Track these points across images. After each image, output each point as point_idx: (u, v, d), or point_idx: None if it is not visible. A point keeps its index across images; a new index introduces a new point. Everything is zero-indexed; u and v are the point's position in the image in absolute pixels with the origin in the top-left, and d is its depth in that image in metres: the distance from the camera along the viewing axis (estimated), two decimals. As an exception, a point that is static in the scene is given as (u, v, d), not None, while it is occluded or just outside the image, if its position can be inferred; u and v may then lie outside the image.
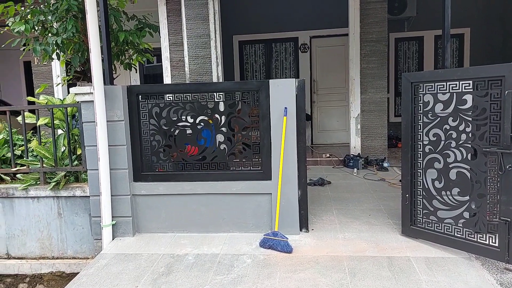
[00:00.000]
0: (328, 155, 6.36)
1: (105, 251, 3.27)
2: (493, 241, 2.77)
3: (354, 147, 6.21)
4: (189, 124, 3.49)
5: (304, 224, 3.47)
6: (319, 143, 7.78)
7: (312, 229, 3.51)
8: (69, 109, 3.80)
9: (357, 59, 5.98)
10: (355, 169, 5.74)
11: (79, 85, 3.69)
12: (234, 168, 3.53)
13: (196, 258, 3.04)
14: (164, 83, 6.22)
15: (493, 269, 2.74)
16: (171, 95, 3.48)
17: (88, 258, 3.73)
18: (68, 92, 4.30)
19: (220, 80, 5.96)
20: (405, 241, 3.22)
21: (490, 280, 2.60)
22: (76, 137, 3.95)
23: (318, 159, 6.32)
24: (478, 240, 2.85)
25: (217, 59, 5.93)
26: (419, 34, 8.37)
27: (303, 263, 2.89)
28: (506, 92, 2.60)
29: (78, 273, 3.03)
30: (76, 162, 3.84)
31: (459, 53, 8.37)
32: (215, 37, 5.93)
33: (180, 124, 3.51)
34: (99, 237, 3.45)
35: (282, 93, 3.31)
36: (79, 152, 3.87)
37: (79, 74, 4.23)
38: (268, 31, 7.72)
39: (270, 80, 3.38)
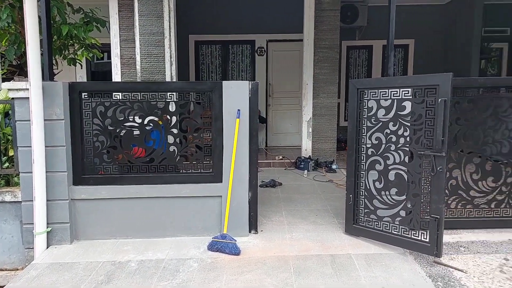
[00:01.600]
0: (280, 157, 6.47)
1: (37, 260, 3.04)
2: (425, 237, 2.98)
3: (306, 150, 6.38)
4: (136, 125, 3.39)
5: (253, 226, 3.49)
6: (273, 145, 7.90)
7: (262, 231, 3.55)
8: (0, 106, 3.53)
9: (311, 64, 6.15)
10: (306, 171, 5.90)
11: (14, 80, 3.44)
12: (184, 170, 3.48)
13: (140, 264, 2.94)
14: (113, 81, 5.99)
15: (424, 262, 2.94)
16: (118, 93, 3.35)
17: (18, 269, 3.47)
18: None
19: (174, 80, 5.85)
20: (348, 239, 3.37)
21: (421, 273, 2.79)
22: (9, 137, 3.67)
23: (271, 161, 6.41)
24: (412, 236, 3.05)
25: (171, 58, 5.82)
26: (369, 43, 8.80)
27: (250, 264, 2.91)
28: (439, 99, 2.81)
29: (3, 286, 2.80)
30: (7, 164, 3.57)
31: (404, 62, 8.92)
32: (170, 35, 5.82)
33: (127, 124, 3.40)
34: (31, 246, 3.20)
35: (235, 95, 3.32)
36: (11, 153, 3.59)
37: (14, 68, 3.94)
38: (225, 32, 7.72)
39: (223, 81, 3.38)
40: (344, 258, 3.03)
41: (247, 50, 7.88)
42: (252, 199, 3.45)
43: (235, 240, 3.13)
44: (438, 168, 2.84)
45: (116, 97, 3.35)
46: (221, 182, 3.35)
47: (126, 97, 3.33)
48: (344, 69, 8.88)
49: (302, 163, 6.07)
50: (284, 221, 3.80)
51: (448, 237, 3.39)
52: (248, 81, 3.31)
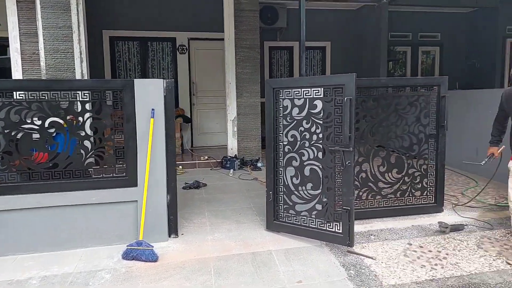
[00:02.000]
0: (206, 157, 6.38)
1: None
2: (338, 228, 3.15)
3: (231, 149, 6.38)
4: (36, 127, 3.04)
5: (173, 230, 3.37)
6: (199, 145, 7.77)
7: (182, 234, 3.44)
8: None
9: (233, 64, 6.16)
10: (232, 170, 5.90)
11: None
12: (94, 175, 3.22)
13: (42, 281, 2.64)
14: (13, 78, 5.34)
15: (338, 253, 3.10)
16: (11, 92, 2.97)
17: None
18: None
19: (86, 78, 5.41)
20: (269, 235, 3.42)
21: (336, 263, 2.94)
22: None
23: (197, 161, 6.29)
24: (327, 228, 3.21)
25: (81, 54, 5.37)
26: (290, 44, 9.13)
27: (169, 270, 2.80)
28: (345, 98, 2.98)
29: None
30: None
31: (322, 63, 9.43)
32: (79, 30, 5.36)
33: (25, 126, 3.03)
34: None
35: (149, 93, 3.16)
36: None
37: None
38: (144, 28, 7.36)
39: (135, 79, 3.19)
40: (265, 255, 3.06)
41: (167, 48, 7.63)
42: (171, 202, 3.32)
43: (152, 246, 2.98)
44: (347, 163, 3.01)
45: (10, 96, 2.97)
46: (136, 186, 3.17)
47: (22, 96, 2.97)
48: (267, 68, 9.09)
49: (228, 163, 6.06)
50: (206, 222, 3.74)
51: (361, 226, 3.64)
52: (162, 79, 3.17)
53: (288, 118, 3.33)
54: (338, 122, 3.06)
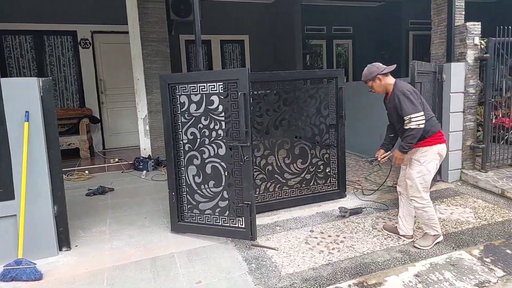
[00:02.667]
0: (116, 159, 5.99)
1: None
2: (241, 223, 3.13)
3: (144, 149, 6.08)
4: None
5: (65, 242, 3.07)
6: (112, 147, 7.27)
7: (77, 246, 3.16)
8: None
9: (140, 58, 5.83)
10: (145, 171, 5.61)
11: None
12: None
13: None
14: None
15: (243, 247, 3.09)
16: None
17: None
18: None
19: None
20: (174, 237, 3.30)
21: (239, 258, 2.92)
22: None
23: (106, 165, 5.87)
24: (231, 224, 3.18)
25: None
26: (207, 38, 8.94)
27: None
28: (240, 93, 2.94)
29: None
30: None
31: (242, 57, 9.42)
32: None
33: None
34: None
35: (21, 94, 2.79)
36: None
37: None
38: (38, 21, 6.62)
39: (1, 78, 2.80)
40: (166, 258, 2.93)
41: (67, 42, 6.97)
42: (60, 213, 3.01)
43: (35, 264, 2.67)
44: (245, 158, 2.99)
45: None
46: (14, 199, 2.81)
47: None
48: (185, 63, 8.83)
49: (141, 164, 5.75)
50: (106, 230, 3.48)
51: (268, 218, 3.68)
52: (36, 78, 2.82)
53: (186, 115, 3.21)
54: (235, 117, 3.02)
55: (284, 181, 3.90)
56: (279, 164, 3.86)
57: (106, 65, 7.15)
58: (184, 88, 3.18)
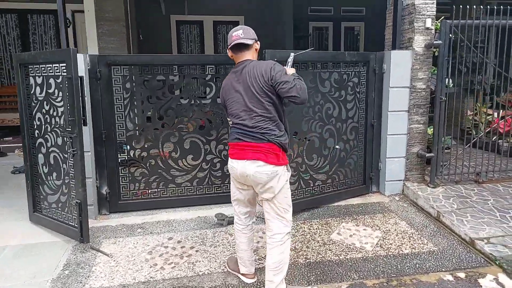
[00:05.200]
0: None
1: None
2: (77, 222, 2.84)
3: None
4: None
5: None
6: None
7: None
8: None
9: (94, 38, 5.68)
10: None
11: None
12: None
13: None
14: None
15: (79, 249, 2.79)
16: None
17: None
18: None
19: None
20: (29, 228, 3.13)
21: (62, 261, 2.65)
22: None
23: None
24: (69, 222, 2.90)
25: None
26: (199, 18, 8.60)
27: None
28: (60, 77, 2.59)
29: None
30: None
31: (237, 39, 8.91)
32: None
33: None
34: None
35: None
36: None
37: None
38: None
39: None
40: (-8, 254, 2.75)
41: (50, 21, 7.08)
42: None
43: None
44: (71, 150, 2.66)
45: None
46: None
47: None
48: (175, 45, 8.58)
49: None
50: (-28, 213, 3.41)
51: (139, 218, 3.34)
52: None
53: (34, 99, 2.95)
54: (66, 104, 2.69)
55: (171, 178, 3.50)
56: (164, 159, 3.47)
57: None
58: (31, 70, 2.91)
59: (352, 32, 9.69)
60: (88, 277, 2.48)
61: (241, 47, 2.06)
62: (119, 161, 3.34)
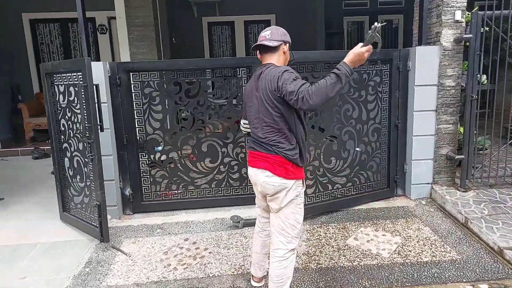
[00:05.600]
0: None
1: None
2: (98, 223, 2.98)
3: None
4: None
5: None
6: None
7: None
8: None
9: (126, 43, 5.92)
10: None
11: None
12: None
13: None
14: None
15: (101, 248, 2.94)
16: None
17: None
18: None
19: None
20: (61, 227, 3.33)
21: (85, 258, 2.81)
22: None
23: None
24: (92, 222, 3.05)
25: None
26: (230, 19, 8.66)
27: None
28: (75, 87, 2.73)
29: None
30: None
31: (268, 38, 8.87)
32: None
33: None
34: None
35: None
36: None
37: None
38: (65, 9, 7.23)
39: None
40: (27, 247, 2.98)
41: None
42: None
43: None
44: (90, 155, 2.80)
45: None
46: None
47: None
48: (207, 46, 8.72)
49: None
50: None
51: (160, 219, 3.45)
52: None
53: (58, 106, 3.14)
54: (84, 111, 2.83)
55: (190, 180, 3.58)
56: (183, 162, 3.54)
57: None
58: (55, 79, 3.10)
59: (391, 26, 9.27)
60: (106, 275, 2.61)
61: (264, 48, 1.96)
62: (141, 163, 3.46)
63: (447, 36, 3.28)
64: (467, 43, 3.23)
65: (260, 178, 2.00)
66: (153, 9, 5.96)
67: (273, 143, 1.94)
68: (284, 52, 1.98)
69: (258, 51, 2.03)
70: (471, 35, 3.15)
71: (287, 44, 1.99)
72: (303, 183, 2.06)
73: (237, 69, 3.40)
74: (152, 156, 3.49)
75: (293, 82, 1.77)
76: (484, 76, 3.38)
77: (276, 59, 1.97)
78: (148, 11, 5.92)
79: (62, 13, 7.32)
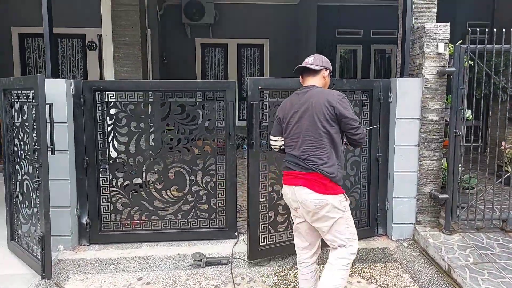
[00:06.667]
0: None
1: None
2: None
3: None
4: None
5: None
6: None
7: None
8: None
9: (111, 61, 5.78)
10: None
11: None
12: None
13: None
14: None
15: (42, 285, 2.63)
16: None
17: None
18: None
19: None
20: (5, 257, 3.03)
21: None
22: None
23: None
24: (36, 255, 2.76)
25: None
26: (224, 42, 8.61)
27: None
28: (29, 104, 2.52)
29: None
30: None
31: (260, 61, 8.81)
32: None
33: None
34: None
35: None
36: None
37: None
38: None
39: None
40: None
41: (78, 45, 7.42)
42: None
43: None
44: (36, 181, 2.56)
45: None
46: None
47: None
48: (199, 68, 8.63)
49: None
50: None
51: (117, 252, 3.16)
52: None
53: (13, 125, 2.93)
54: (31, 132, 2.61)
55: (154, 209, 3.32)
56: (148, 189, 3.29)
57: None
58: (12, 95, 2.90)
59: (384, 55, 9.24)
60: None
61: (307, 71, 2.13)
62: (102, 189, 3.22)
63: (430, 68, 3.11)
64: (451, 76, 3.05)
65: (299, 194, 2.01)
66: (141, 28, 5.86)
67: (311, 159, 1.97)
68: (324, 77, 2.15)
69: (300, 75, 2.20)
70: (454, 69, 2.98)
71: (328, 70, 2.16)
72: (345, 197, 2.08)
73: (211, 92, 3.23)
74: (114, 182, 3.24)
75: (355, 117, 1.99)
76: (469, 112, 3.19)
77: (318, 82, 2.12)
78: (136, 30, 5.81)
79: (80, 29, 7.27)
